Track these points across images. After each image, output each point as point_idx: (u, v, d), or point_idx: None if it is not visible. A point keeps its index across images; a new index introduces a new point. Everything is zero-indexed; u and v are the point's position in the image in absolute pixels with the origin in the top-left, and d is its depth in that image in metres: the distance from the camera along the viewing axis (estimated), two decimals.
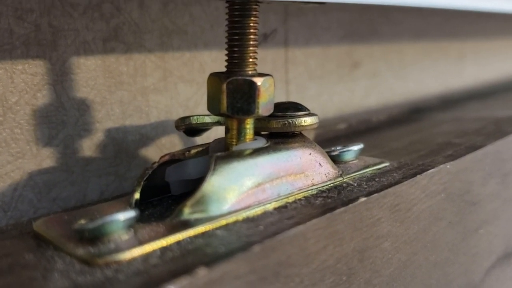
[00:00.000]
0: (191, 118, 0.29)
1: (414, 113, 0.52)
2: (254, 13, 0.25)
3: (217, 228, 0.22)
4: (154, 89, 0.33)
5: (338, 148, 0.31)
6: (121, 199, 0.27)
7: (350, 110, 0.49)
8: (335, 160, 0.31)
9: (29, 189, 0.29)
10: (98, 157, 0.31)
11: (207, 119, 0.29)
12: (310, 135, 0.40)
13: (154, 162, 0.26)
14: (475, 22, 0.67)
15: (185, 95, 0.35)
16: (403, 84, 0.56)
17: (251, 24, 0.25)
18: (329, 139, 0.41)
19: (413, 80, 0.58)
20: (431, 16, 0.59)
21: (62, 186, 0.30)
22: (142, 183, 0.25)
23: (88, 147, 0.31)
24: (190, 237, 0.21)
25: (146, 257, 0.20)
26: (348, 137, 0.41)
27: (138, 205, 0.25)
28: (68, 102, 0.30)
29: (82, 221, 0.23)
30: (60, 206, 0.30)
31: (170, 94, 0.34)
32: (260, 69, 0.40)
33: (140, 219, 0.24)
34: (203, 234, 0.21)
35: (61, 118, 0.30)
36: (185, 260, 0.19)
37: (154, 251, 0.20)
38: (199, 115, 0.29)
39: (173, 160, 0.26)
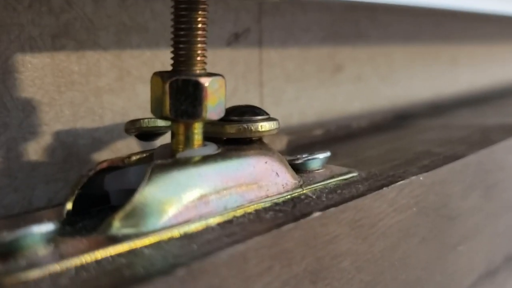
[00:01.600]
0: (141, 121, 0.27)
1: (399, 120, 0.50)
2: (202, 6, 0.23)
3: (146, 246, 0.20)
4: (109, 89, 0.31)
5: (303, 156, 0.29)
6: (56, 208, 0.24)
7: (330, 115, 0.46)
8: (300, 169, 0.28)
9: None
10: (46, 162, 0.29)
11: (160, 122, 0.27)
12: (283, 141, 0.38)
13: (90, 169, 0.23)
14: (469, 26, 0.65)
15: (144, 96, 0.33)
16: (390, 89, 0.54)
17: (199, 19, 0.23)
18: (303, 146, 0.39)
19: (402, 85, 0.56)
20: (422, 19, 0.57)
21: (4, 193, 0.28)
22: (76, 192, 0.23)
23: (34, 151, 0.29)
24: (112, 256, 0.19)
25: (57, 276, 0.17)
26: (324, 143, 0.39)
27: (71, 215, 0.23)
28: (11, 103, 0.28)
29: (3, 233, 0.21)
30: (1, 214, 0.28)
31: (127, 95, 0.32)
32: (231, 71, 0.38)
33: (69, 232, 0.22)
34: (129, 253, 0.19)
35: (3, 120, 0.27)
36: (98, 283, 0.17)
37: (68, 270, 0.18)
38: (151, 118, 0.27)
39: (113, 167, 0.24)
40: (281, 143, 0.38)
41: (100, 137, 0.31)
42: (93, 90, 0.31)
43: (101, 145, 0.31)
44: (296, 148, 0.38)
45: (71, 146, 0.30)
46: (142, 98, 0.33)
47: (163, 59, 0.34)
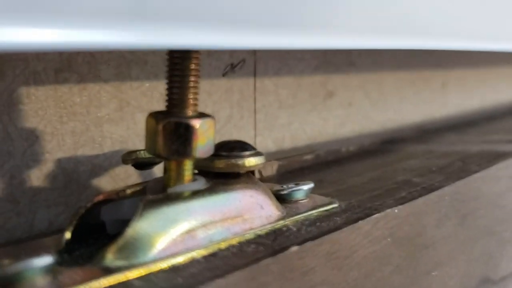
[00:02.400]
0: (138, 152, 0.29)
1: (387, 144, 0.52)
2: (195, 55, 0.25)
3: (136, 278, 0.21)
4: (108, 119, 0.33)
5: (289, 186, 0.31)
6: (56, 236, 0.26)
7: (322, 139, 0.48)
8: (285, 199, 0.30)
9: None
10: (47, 188, 0.31)
11: None
12: (274, 167, 0.40)
13: (88, 201, 0.25)
14: (458, 52, 0.66)
15: (142, 125, 0.35)
16: (381, 113, 0.56)
17: (192, 67, 0.25)
18: (293, 171, 0.41)
19: (392, 110, 0.58)
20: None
21: (8, 217, 0.30)
22: (74, 222, 0.25)
23: (37, 177, 0.31)
24: (105, 287, 0.21)
25: None
26: (313, 169, 0.41)
27: (70, 243, 0.25)
28: (15, 133, 0.30)
29: (5, 262, 0.23)
30: (4, 237, 0.30)
31: (126, 124, 0.34)
32: (226, 99, 0.40)
33: (67, 261, 0.24)
34: (120, 285, 0.21)
35: (7, 149, 0.29)
36: None
37: None
38: None
39: (109, 199, 0.26)
40: (272, 169, 0.40)
41: (100, 164, 0.33)
42: (93, 120, 0.33)
43: (101, 171, 0.33)
44: (286, 173, 0.40)
45: (71, 172, 0.32)
46: (140, 127, 0.35)
47: (161, 90, 0.35)
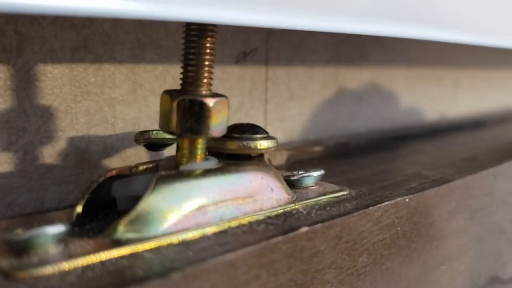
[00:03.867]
0: (150, 132, 0.29)
1: (397, 140, 0.52)
2: (211, 33, 0.25)
3: (146, 250, 0.22)
4: (122, 100, 0.33)
5: (299, 172, 0.31)
6: (67, 210, 0.26)
7: (331, 132, 0.48)
8: (295, 184, 0.31)
9: None
10: (59, 165, 0.31)
11: (167, 135, 0.29)
12: (283, 156, 0.40)
13: (100, 176, 0.25)
14: (471, 51, 0.66)
15: (155, 108, 0.35)
16: (391, 110, 0.56)
17: (207, 45, 0.25)
18: (303, 161, 0.41)
19: (403, 106, 0.57)
20: (426, 44, 0.59)
21: (19, 192, 0.30)
22: (86, 196, 0.25)
23: (49, 154, 0.31)
24: (116, 258, 0.21)
25: (65, 274, 0.20)
26: (322, 160, 0.41)
27: (80, 217, 0.25)
28: (31, 109, 0.30)
29: (19, 231, 0.23)
30: (15, 212, 0.30)
31: (138, 106, 0.34)
32: (238, 87, 0.40)
33: (78, 233, 0.24)
34: (131, 256, 0.21)
35: (22, 125, 0.30)
36: (100, 282, 0.19)
37: (75, 269, 0.20)
38: (159, 130, 0.29)
39: (121, 175, 0.26)
40: (281, 158, 0.40)
41: (112, 144, 0.33)
42: (107, 100, 0.33)
43: (112, 152, 0.33)
44: (295, 163, 0.40)
45: (83, 151, 0.32)
46: (152, 110, 0.35)
47: (174, 74, 0.36)
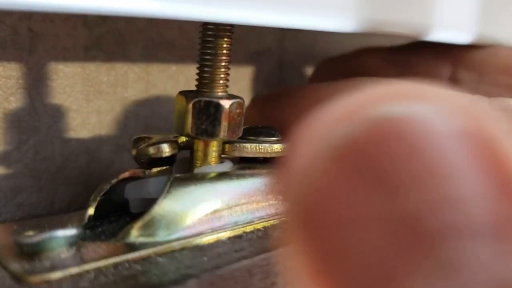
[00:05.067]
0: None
1: None
2: (228, 34, 0.25)
3: (160, 255, 0.21)
4: (134, 100, 0.33)
5: None
6: (79, 212, 0.26)
7: None
8: None
9: None
10: (70, 165, 0.31)
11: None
12: None
13: (113, 178, 0.25)
14: None
15: (168, 108, 0.34)
16: None
17: (224, 45, 0.25)
18: None
19: None
20: None
21: (29, 192, 0.30)
22: (98, 198, 0.24)
23: (60, 154, 0.30)
24: (129, 262, 0.20)
25: (78, 279, 0.19)
26: None
27: (92, 220, 0.24)
28: (42, 108, 0.29)
29: (30, 233, 0.22)
30: (25, 212, 0.30)
31: (151, 106, 0.34)
32: (251, 87, 0.40)
33: (90, 236, 0.23)
34: (144, 260, 0.21)
35: (33, 124, 0.29)
36: (114, 287, 0.18)
37: (88, 273, 0.19)
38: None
39: (135, 177, 0.26)
40: None
41: (124, 145, 0.33)
42: (119, 100, 0.32)
43: (124, 152, 0.33)
44: None
45: (94, 151, 0.32)
46: (165, 109, 0.34)
47: (187, 74, 0.35)
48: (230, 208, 0.24)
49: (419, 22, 0.28)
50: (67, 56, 0.30)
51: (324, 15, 0.24)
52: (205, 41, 0.25)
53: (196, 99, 0.24)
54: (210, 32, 0.24)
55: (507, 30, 0.37)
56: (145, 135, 0.27)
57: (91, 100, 0.31)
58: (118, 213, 0.26)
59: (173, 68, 0.35)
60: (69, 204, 0.31)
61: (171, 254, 0.21)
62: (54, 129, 0.30)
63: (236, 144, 0.27)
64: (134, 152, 0.26)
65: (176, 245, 0.22)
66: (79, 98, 0.31)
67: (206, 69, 0.25)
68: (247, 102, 0.39)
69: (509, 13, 0.37)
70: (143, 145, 0.25)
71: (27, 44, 0.28)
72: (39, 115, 0.29)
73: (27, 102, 0.29)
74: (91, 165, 0.32)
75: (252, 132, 0.28)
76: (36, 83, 0.29)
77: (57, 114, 0.30)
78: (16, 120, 0.28)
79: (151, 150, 0.25)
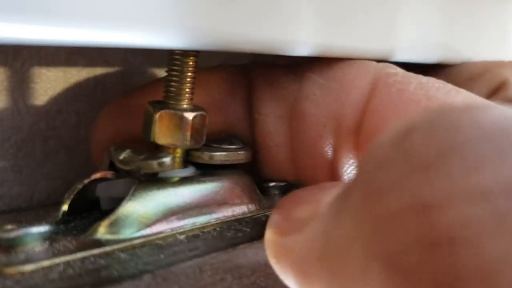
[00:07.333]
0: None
1: None
2: (194, 52, 0.27)
3: (123, 251, 0.24)
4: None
5: (271, 181, 0.33)
6: (55, 207, 0.29)
7: None
8: (267, 192, 0.33)
9: None
10: (49, 162, 0.34)
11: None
12: None
13: (86, 179, 0.28)
14: None
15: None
16: None
17: (190, 63, 0.27)
18: None
19: None
20: None
21: (11, 185, 0.32)
22: (71, 196, 0.27)
23: (40, 151, 0.33)
24: (95, 257, 0.23)
25: (48, 271, 0.22)
26: None
27: (66, 215, 0.27)
28: (24, 109, 0.32)
29: (8, 227, 0.25)
30: (6, 203, 0.32)
31: None
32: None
33: (63, 231, 0.26)
34: (108, 256, 0.23)
35: (16, 123, 0.32)
36: (79, 280, 0.21)
37: (58, 266, 0.22)
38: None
39: (105, 178, 0.28)
40: None
41: None
42: (98, 102, 0.35)
43: None
44: None
45: (73, 149, 0.34)
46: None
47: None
48: (189, 210, 0.27)
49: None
50: (50, 61, 0.32)
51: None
52: (172, 58, 0.27)
53: (162, 111, 0.27)
54: (176, 51, 0.27)
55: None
56: (124, 142, 0.29)
57: (71, 102, 0.34)
58: (89, 210, 0.29)
59: (149, 72, 0.37)
60: (48, 197, 0.34)
61: (132, 250, 0.24)
62: (35, 128, 0.33)
63: (204, 152, 0.29)
64: (120, 160, 0.27)
65: (137, 243, 0.25)
66: (60, 100, 0.33)
67: (172, 83, 0.27)
68: None
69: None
70: (144, 160, 0.27)
71: (12, 49, 0.31)
72: (21, 115, 0.32)
73: (10, 103, 0.31)
74: (69, 162, 0.34)
75: (215, 140, 0.30)
76: (19, 86, 0.31)
77: (39, 114, 0.33)
78: None
79: (155, 166, 0.27)
